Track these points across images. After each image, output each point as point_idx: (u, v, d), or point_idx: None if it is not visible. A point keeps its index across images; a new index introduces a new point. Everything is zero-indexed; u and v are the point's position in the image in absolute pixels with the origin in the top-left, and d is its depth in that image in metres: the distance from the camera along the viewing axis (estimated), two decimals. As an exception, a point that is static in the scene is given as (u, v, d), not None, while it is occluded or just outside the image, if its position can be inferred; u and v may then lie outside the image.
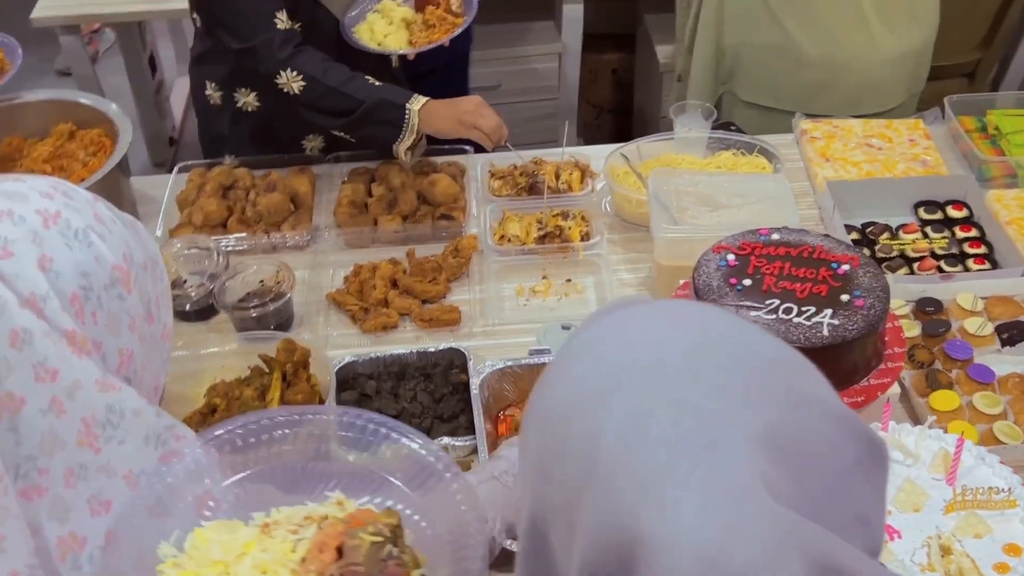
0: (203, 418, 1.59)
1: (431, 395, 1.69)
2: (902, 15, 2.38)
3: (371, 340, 1.86)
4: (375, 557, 0.86)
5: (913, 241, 1.98)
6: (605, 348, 0.66)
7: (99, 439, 0.85)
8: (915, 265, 1.94)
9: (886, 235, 2.00)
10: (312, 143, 2.26)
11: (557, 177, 2.10)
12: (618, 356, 0.64)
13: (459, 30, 2.09)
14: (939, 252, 1.96)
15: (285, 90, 1.97)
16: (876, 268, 1.58)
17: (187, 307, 1.88)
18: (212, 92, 2.20)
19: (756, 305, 1.52)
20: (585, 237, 2.00)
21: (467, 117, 1.97)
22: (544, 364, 1.62)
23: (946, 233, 2.00)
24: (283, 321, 1.86)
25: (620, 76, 3.85)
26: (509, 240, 1.99)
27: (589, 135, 3.84)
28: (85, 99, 2.14)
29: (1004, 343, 1.76)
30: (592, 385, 0.64)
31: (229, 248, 1.97)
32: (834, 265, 1.58)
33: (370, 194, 2.12)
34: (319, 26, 2.05)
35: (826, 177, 2.11)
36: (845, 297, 1.52)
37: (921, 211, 2.07)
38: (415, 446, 1.02)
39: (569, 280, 1.96)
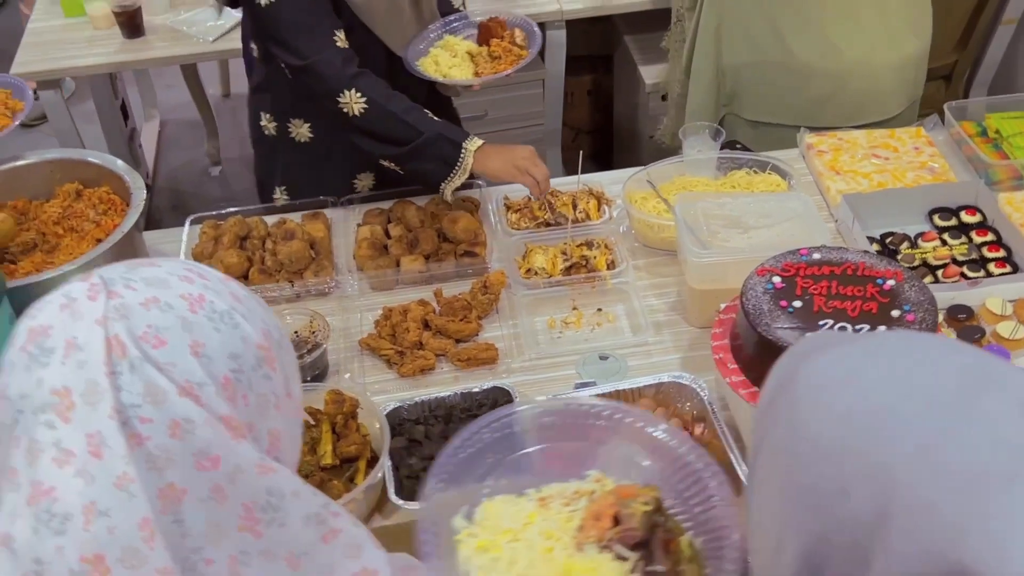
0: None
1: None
2: (901, 24, 2.42)
3: (409, 384, 1.83)
4: (648, 523, 0.97)
5: (934, 249, 2.00)
6: (863, 384, 0.68)
7: (260, 523, 0.83)
8: (939, 273, 1.96)
9: (906, 244, 2.02)
10: (363, 182, 2.27)
11: (574, 207, 2.10)
12: (884, 391, 0.67)
13: (525, 61, 2.11)
14: (960, 258, 1.99)
15: (345, 110, 1.96)
16: (920, 282, 1.60)
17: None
18: (267, 123, 2.21)
19: (810, 327, 1.53)
20: (611, 265, 2.00)
21: (522, 163, 1.99)
22: (590, 397, 1.62)
23: (964, 239, 2.03)
24: (320, 371, 1.83)
25: (596, 97, 3.87)
26: (536, 273, 1.98)
27: (567, 157, 3.85)
28: (92, 157, 2.10)
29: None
30: (863, 422, 0.66)
31: (254, 300, 1.94)
32: (879, 281, 1.59)
33: (387, 235, 2.10)
34: (369, 55, 2.04)
35: (839, 190, 2.13)
36: (896, 313, 1.54)
37: (936, 218, 2.09)
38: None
39: (600, 309, 1.95)
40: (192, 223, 2.15)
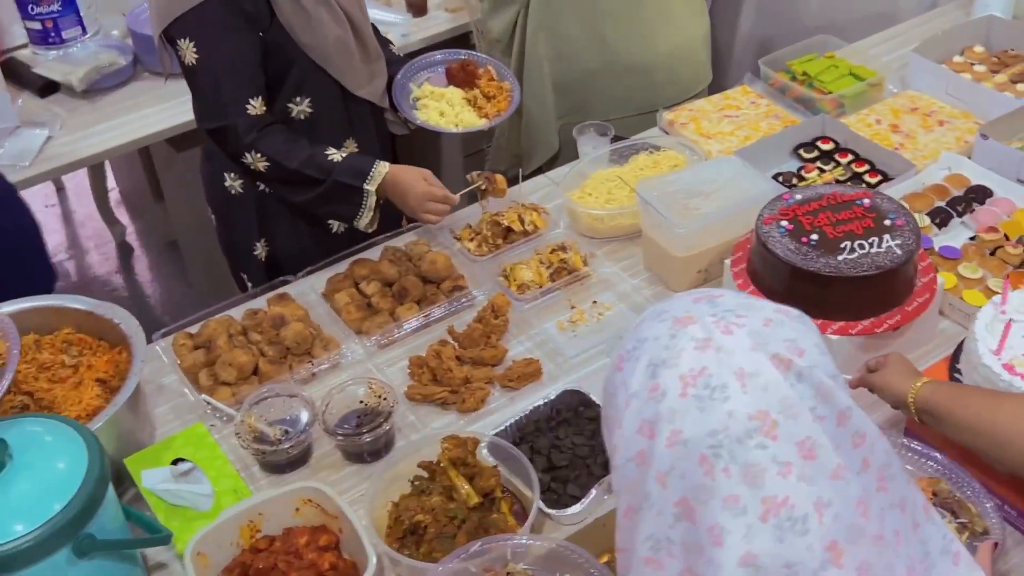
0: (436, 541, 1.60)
1: (585, 435, 1.80)
2: (693, 8, 2.80)
3: (471, 419, 1.91)
4: None
5: (819, 176, 2.38)
6: None
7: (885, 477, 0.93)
8: (833, 194, 2.33)
9: (795, 180, 2.38)
10: (337, 223, 2.35)
11: (522, 221, 2.25)
12: None
13: (516, 95, 2.31)
14: (840, 179, 2.37)
15: (253, 168, 2.12)
16: (883, 193, 1.94)
17: (284, 461, 1.82)
18: (232, 182, 2.29)
19: (834, 252, 1.82)
20: (585, 261, 2.18)
21: (417, 205, 2.17)
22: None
23: (833, 164, 2.43)
24: (392, 437, 1.86)
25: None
26: (528, 287, 2.12)
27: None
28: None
29: (939, 226, 2.20)
30: None
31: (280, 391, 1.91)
32: (859, 202, 1.91)
33: (362, 293, 2.14)
34: (324, 95, 2.19)
35: (719, 151, 2.45)
36: (887, 222, 1.87)
37: (801, 152, 2.47)
38: None
39: (595, 302, 2.13)
40: (163, 337, 2.06)
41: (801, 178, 2.39)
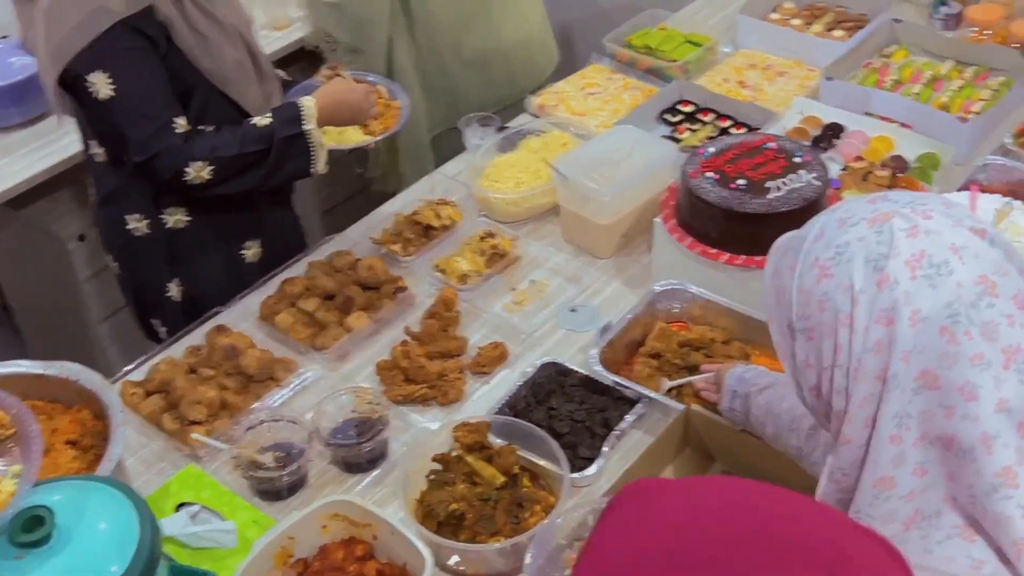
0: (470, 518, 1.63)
1: (575, 401, 1.88)
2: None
3: (453, 410, 1.94)
4: None
5: (693, 135, 2.55)
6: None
7: None
8: (710, 149, 2.52)
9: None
10: (251, 250, 2.30)
11: (439, 216, 2.29)
12: None
13: (405, 112, 2.28)
14: (712, 135, 2.56)
15: (197, 182, 2.03)
16: (780, 135, 2.13)
17: (286, 486, 1.79)
18: (136, 224, 2.18)
19: (762, 192, 1.98)
20: (512, 245, 2.24)
21: (363, 113, 2.19)
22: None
23: (699, 124, 2.61)
24: (387, 441, 1.86)
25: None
26: (468, 277, 2.16)
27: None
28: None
29: (823, 150, 2.42)
30: None
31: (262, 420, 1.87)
32: (766, 146, 2.09)
33: (302, 311, 2.11)
34: (226, 121, 2.12)
35: (597, 126, 2.59)
36: (797, 159, 2.05)
37: (667, 117, 2.65)
38: None
39: (532, 281, 2.21)
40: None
41: (677, 140, 2.56)
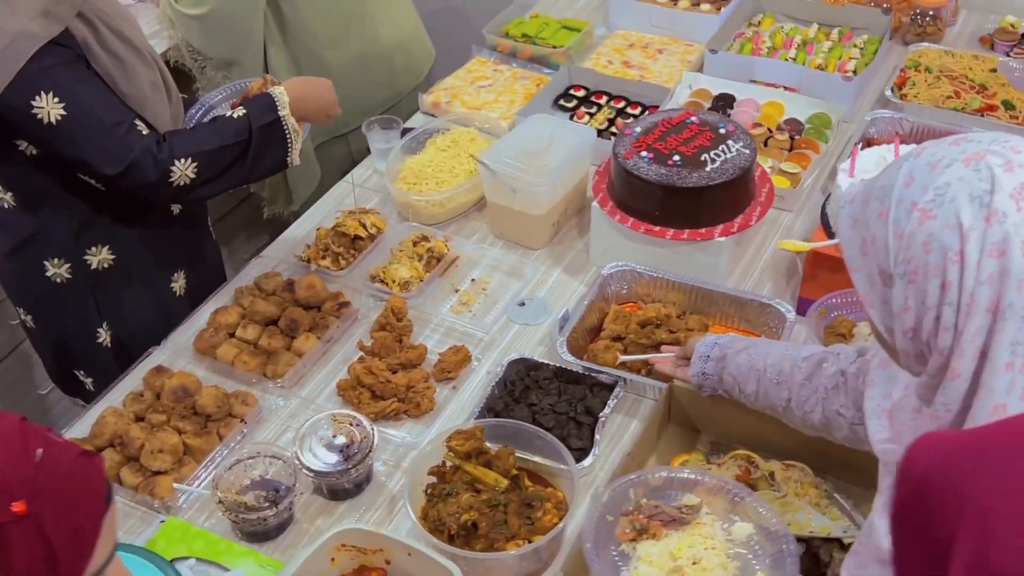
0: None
1: (553, 394, 1.86)
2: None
3: (429, 419, 1.89)
4: None
5: (592, 118, 2.58)
6: None
7: None
8: (612, 130, 2.55)
9: (574, 126, 2.56)
10: (178, 282, 2.19)
11: (364, 226, 2.22)
12: None
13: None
14: (611, 116, 2.59)
15: (182, 183, 1.88)
16: (700, 108, 2.18)
17: (275, 524, 1.70)
18: (57, 270, 2.01)
19: (698, 164, 2.02)
20: (446, 246, 2.20)
21: (333, 109, 2.11)
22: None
23: (595, 106, 2.64)
24: (371, 468, 1.80)
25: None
26: (410, 283, 2.11)
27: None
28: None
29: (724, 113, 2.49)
30: None
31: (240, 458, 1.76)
32: (688, 121, 2.13)
33: (243, 340, 2.01)
34: None
35: (498, 118, 2.57)
36: (722, 131, 2.11)
37: (562, 102, 2.66)
38: None
39: (473, 280, 2.17)
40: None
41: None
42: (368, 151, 2.54)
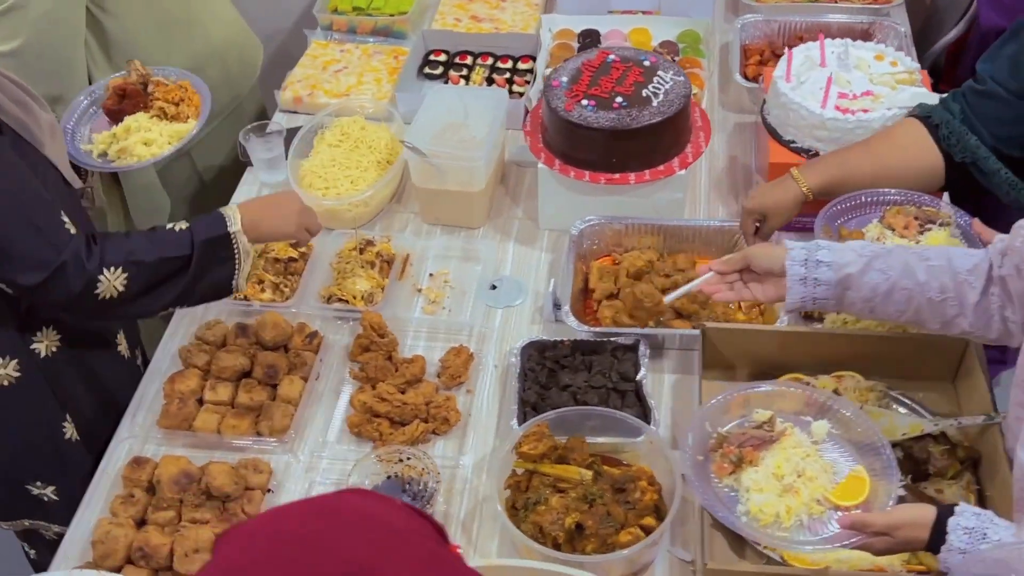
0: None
1: (582, 370, 1.76)
2: None
3: (456, 432, 1.75)
4: None
5: (470, 80, 2.45)
6: None
7: None
8: (495, 89, 2.43)
9: (454, 93, 2.43)
10: (122, 344, 1.91)
11: (294, 245, 2.00)
12: None
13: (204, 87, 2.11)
14: (487, 77, 2.47)
15: (108, 295, 1.56)
16: (611, 45, 2.11)
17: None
18: (3, 372, 1.67)
19: (641, 102, 1.95)
20: (391, 247, 2.03)
21: (300, 221, 1.77)
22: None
23: (464, 69, 2.50)
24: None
25: None
26: (372, 295, 1.93)
27: None
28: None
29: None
30: None
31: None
32: (609, 59, 2.06)
33: (217, 404, 1.77)
34: (51, 184, 1.65)
35: (379, 97, 2.39)
36: (647, 63, 2.05)
37: (428, 71, 2.50)
38: None
39: (431, 274, 2.02)
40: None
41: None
42: (240, 164, 2.29)
